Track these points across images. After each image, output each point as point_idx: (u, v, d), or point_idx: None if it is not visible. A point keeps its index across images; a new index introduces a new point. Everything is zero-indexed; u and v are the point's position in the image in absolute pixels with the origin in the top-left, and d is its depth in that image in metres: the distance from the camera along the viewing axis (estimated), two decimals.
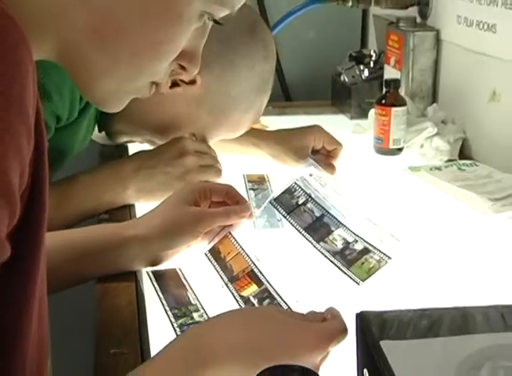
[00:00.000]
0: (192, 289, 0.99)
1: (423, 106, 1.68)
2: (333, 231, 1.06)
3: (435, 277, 0.99)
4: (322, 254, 1.02)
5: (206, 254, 1.05)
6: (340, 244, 1.03)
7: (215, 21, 0.69)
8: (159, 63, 0.68)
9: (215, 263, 1.04)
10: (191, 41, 0.69)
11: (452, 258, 1.06)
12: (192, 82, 1.22)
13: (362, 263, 0.98)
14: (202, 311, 0.93)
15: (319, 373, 0.69)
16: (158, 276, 1.01)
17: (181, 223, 1.00)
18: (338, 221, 1.08)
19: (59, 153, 1.20)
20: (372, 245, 1.00)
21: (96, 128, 1.32)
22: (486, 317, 0.71)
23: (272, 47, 1.30)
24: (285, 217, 1.13)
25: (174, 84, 1.22)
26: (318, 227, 1.08)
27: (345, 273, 0.98)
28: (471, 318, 0.71)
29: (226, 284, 1.00)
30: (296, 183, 1.19)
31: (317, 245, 1.04)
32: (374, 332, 0.67)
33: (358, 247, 1.01)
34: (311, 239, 1.06)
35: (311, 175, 1.19)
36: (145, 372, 0.67)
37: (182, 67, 0.72)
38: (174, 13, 0.63)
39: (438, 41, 1.68)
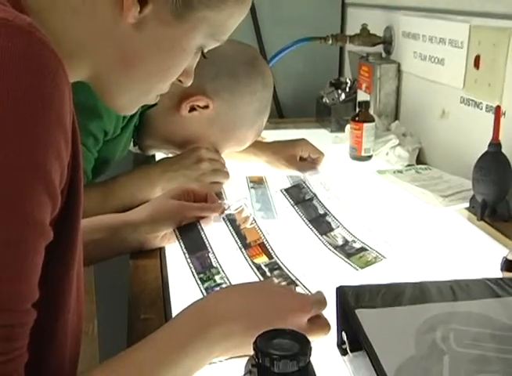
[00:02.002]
0: (212, 249, 0.96)
1: (387, 122, 1.67)
2: (333, 229, 1.04)
3: (399, 257, 0.98)
4: (325, 245, 1.01)
5: (223, 219, 1.03)
6: (340, 241, 1.01)
7: (203, 55, 0.71)
8: (165, 82, 0.70)
9: (231, 227, 1.02)
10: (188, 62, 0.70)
11: (412, 243, 1.05)
12: (206, 107, 1.23)
13: (360, 257, 0.96)
14: (222, 274, 0.91)
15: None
16: (184, 234, 0.98)
17: (164, 212, 0.99)
18: (338, 221, 1.06)
19: (105, 160, 1.21)
20: (369, 246, 0.99)
21: (131, 143, 1.33)
22: (439, 290, 0.70)
23: (269, 78, 1.30)
24: (293, 206, 1.11)
25: (192, 109, 1.23)
26: (320, 222, 1.06)
27: (345, 261, 0.95)
28: (427, 291, 0.70)
29: (240, 249, 0.98)
30: (304, 182, 1.18)
31: (320, 237, 1.02)
32: (351, 302, 0.67)
33: (357, 245, 0.99)
34: (315, 231, 1.04)
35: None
36: (166, 329, 0.66)
37: (180, 81, 0.73)
38: (180, 47, 0.66)
39: (399, 71, 1.67)
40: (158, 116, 1.23)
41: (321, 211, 1.09)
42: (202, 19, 0.64)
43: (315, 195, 1.14)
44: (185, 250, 0.95)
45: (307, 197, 1.13)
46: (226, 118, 1.25)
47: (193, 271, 0.91)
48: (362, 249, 0.98)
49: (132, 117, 1.20)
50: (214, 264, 0.93)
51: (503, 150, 1.12)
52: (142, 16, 0.60)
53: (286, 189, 1.16)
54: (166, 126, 1.26)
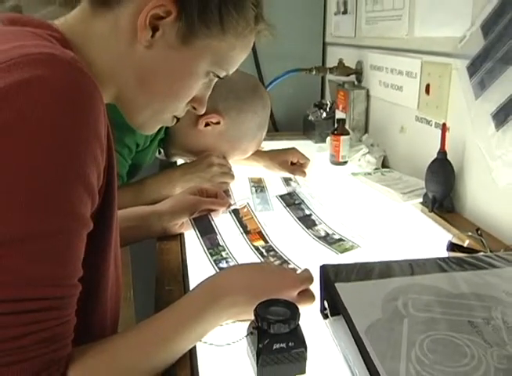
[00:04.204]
0: (220, 233, 0.96)
1: (359, 135, 1.67)
2: (317, 225, 1.04)
3: (370, 244, 0.97)
4: (310, 236, 1.00)
5: (230, 212, 1.03)
6: (322, 233, 1.01)
7: (218, 77, 0.67)
8: (178, 103, 0.66)
9: (235, 218, 1.02)
10: (201, 90, 0.68)
11: (379, 230, 1.04)
12: (218, 123, 1.23)
13: (339, 245, 0.95)
14: (227, 251, 0.91)
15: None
16: (197, 221, 0.98)
17: (182, 204, 0.98)
18: (321, 219, 1.06)
19: (137, 165, 1.20)
20: (346, 238, 0.98)
21: (157, 152, 1.33)
22: (400, 267, 0.70)
23: (267, 100, 1.30)
24: (285, 207, 1.12)
25: (207, 125, 1.22)
26: (307, 220, 1.07)
27: (327, 248, 0.95)
28: (391, 268, 0.69)
29: (242, 234, 0.97)
30: (295, 191, 1.19)
31: (306, 230, 1.02)
32: (331, 277, 0.66)
33: (336, 237, 0.99)
34: (302, 225, 1.04)
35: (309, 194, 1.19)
36: (184, 300, 0.65)
37: (194, 108, 0.70)
38: (187, 70, 0.62)
39: (368, 96, 1.66)
40: (180, 130, 1.23)
41: (307, 212, 1.10)
42: (205, 46, 0.61)
43: (303, 201, 1.14)
44: (198, 233, 0.95)
45: (296, 202, 1.14)
46: (233, 132, 1.25)
47: (204, 247, 0.92)
48: (340, 240, 0.98)
49: (158, 132, 1.20)
50: (221, 243, 0.93)
51: (449, 157, 1.12)
52: (154, 40, 0.59)
53: (281, 196, 1.17)
54: (186, 138, 1.25)
